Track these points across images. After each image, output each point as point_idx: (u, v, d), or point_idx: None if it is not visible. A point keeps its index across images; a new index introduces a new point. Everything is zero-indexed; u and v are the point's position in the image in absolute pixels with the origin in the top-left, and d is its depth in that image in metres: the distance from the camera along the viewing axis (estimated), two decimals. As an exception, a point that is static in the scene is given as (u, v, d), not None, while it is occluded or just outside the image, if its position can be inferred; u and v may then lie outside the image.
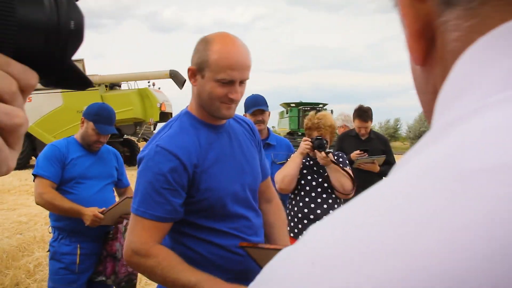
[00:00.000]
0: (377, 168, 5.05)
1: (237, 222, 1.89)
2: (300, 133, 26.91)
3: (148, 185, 1.70)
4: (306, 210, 3.48)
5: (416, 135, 51.81)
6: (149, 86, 18.74)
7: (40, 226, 7.11)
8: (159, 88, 19.58)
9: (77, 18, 0.52)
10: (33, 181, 3.18)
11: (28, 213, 8.05)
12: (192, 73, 1.81)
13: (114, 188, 3.55)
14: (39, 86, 0.53)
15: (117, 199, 3.51)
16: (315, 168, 3.60)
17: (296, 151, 3.65)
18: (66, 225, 3.18)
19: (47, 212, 3.40)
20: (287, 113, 33.41)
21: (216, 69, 1.73)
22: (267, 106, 3.98)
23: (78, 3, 0.53)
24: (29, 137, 16.69)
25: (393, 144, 57.55)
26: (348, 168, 3.60)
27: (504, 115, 0.28)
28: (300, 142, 3.60)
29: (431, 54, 0.39)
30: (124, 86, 19.47)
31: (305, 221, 3.48)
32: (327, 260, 0.27)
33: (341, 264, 0.26)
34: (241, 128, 2.05)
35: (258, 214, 2.03)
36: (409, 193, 0.27)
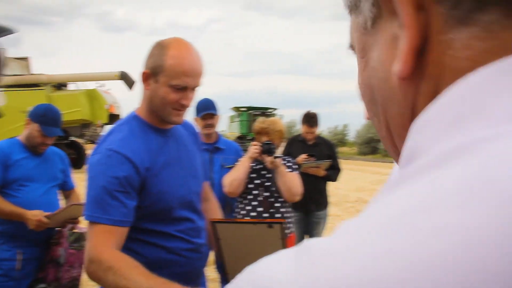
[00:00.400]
0: (322, 173, 5.17)
1: (183, 225, 1.92)
2: (250, 138, 27.01)
3: (101, 190, 1.68)
4: (254, 214, 3.52)
5: (364, 140, 52.87)
6: (98, 87, 18.38)
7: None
8: (108, 90, 19.23)
9: None
10: None
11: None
12: (146, 77, 1.80)
13: (59, 191, 3.46)
14: None
15: (62, 202, 3.43)
16: (263, 172, 3.64)
17: (245, 155, 3.69)
18: (6, 229, 3.08)
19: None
20: (237, 117, 33.49)
21: (171, 75, 1.75)
22: (217, 110, 4.01)
23: None
24: (-32, 137, 16.02)
25: (341, 150, 58.56)
26: (296, 173, 3.67)
27: None
28: (249, 146, 3.64)
29: (417, 68, 0.37)
30: (72, 86, 18.98)
31: (253, 225, 3.50)
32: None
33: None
34: (185, 132, 2.08)
35: (201, 217, 2.07)
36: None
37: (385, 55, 0.40)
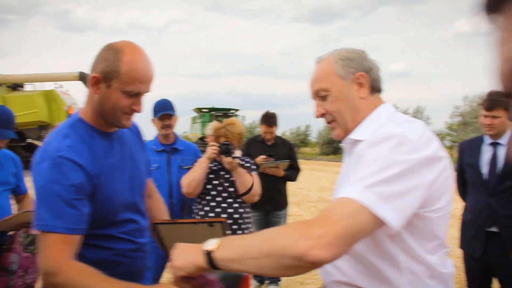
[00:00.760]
0: (281, 173, 5.21)
1: (127, 227, 1.92)
2: (213, 139, 26.91)
3: (57, 198, 1.64)
4: (212, 214, 3.53)
5: (325, 141, 53.46)
6: (56, 88, 18.01)
7: None
8: (67, 91, 18.86)
9: None
10: None
11: None
12: (96, 81, 1.75)
13: (11, 195, 3.36)
14: None
15: (14, 206, 3.34)
16: (221, 173, 3.65)
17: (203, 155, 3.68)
18: None
19: None
20: (199, 118, 33.40)
21: (126, 81, 1.73)
22: (175, 111, 4.00)
23: None
24: None
25: (303, 150, 59.04)
26: (254, 173, 3.69)
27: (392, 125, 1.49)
28: (207, 147, 3.64)
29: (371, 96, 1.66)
30: (28, 87, 18.53)
31: (212, 225, 3.50)
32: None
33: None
34: (128, 132, 2.07)
35: (145, 217, 2.09)
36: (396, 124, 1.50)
37: None
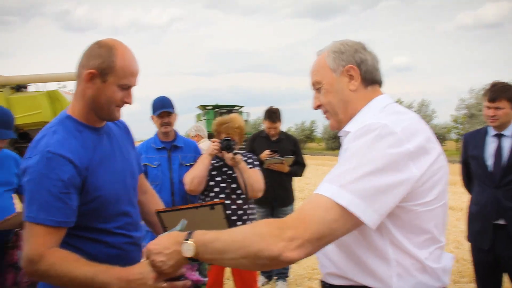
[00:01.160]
0: (286, 169, 5.16)
1: (121, 220, 1.99)
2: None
3: (45, 192, 1.71)
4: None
5: (331, 136, 53.37)
6: (59, 88, 18.05)
7: None
8: (70, 90, 18.90)
9: None
10: None
11: None
12: (92, 77, 1.83)
13: (15, 195, 3.36)
14: None
15: (18, 206, 3.34)
16: (224, 169, 3.63)
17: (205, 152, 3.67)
18: None
19: None
20: (203, 116, 33.43)
21: (121, 75, 1.84)
22: (174, 108, 3.98)
23: None
24: None
25: (309, 145, 59.00)
26: (257, 169, 3.67)
27: (379, 116, 1.53)
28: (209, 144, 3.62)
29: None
30: (32, 88, 18.57)
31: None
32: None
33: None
34: (117, 128, 2.14)
35: (137, 211, 2.16)
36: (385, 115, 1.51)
37: None
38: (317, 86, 1.70)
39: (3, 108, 3.19)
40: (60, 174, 1.73)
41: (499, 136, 3.38)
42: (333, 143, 52.70)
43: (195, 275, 1.69)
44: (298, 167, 5.35)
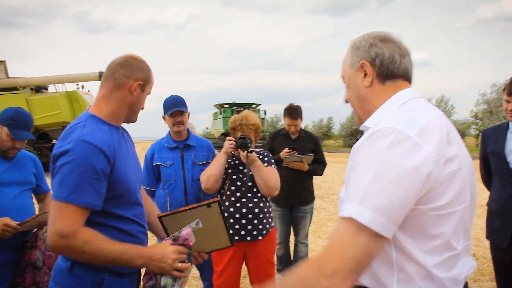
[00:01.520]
0: (306, 167, 5.06)
1: (136, 210, 2.22)
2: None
3: (79, 176, 1.89)
4: (232, 209, 3.51)
5: (348, 133, 53.10)
6: (78, 88, 18.23)
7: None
8: (88, 91, 19.05)
9: None
10: None
11: None
12: (136, 87, 2.15)
13: (33, 195, 3.41)
14: None
15: (36, 205, 3.38)
16: (240, 168, 3.62)
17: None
18: None
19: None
20: (220, 114, 33.47)
21: (151, 86, 2.26)
22: (186, 107, 3.97)
23: None
24: None
25: (326, 143, 58.74)
26: (273, 167, 3.65)
27: (397, 114, 1.45)
28: (224, 142, 3.62)
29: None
30: (51, 89, 18.80)
31: (231, 220, 3.51)
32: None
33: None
34: (125, 132, 2.37)
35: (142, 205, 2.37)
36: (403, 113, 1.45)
37: None
38: (342, 80, 1.70)
39: (21, 110, 3.23)
40: (92, 161, 1.92)
41: None
42: (351, 140, 52.39)
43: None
44: (318, 166, 5.23)
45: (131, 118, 2.24)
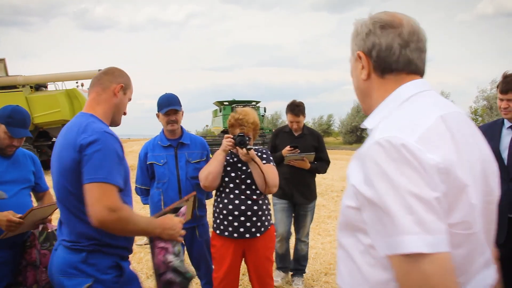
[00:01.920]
0: (307, 165, 5.01)
1: (130, 196, 2.52)
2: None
3: (111, 161, 2.21)
4: (230, 207, 3.52)
5: (348, 130, 52.99)
6: (77, 86, 18.19)
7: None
8: (87, 89, 18.99)
9: None
10: None
11: None
12: (119, 89, 2.48)
13: (31, 193, 3.41)
14: None
15: (34, 204, 3.38)
16: (238, 165, 3.63)
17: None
18: None
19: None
20: (220, 112, 33.40)
21: (131, 91, 2.60)
22: (181, 106, 3.97)
23: None
24: None
25: (326, 140, 58.62)
26: (272, 164, 3.65)
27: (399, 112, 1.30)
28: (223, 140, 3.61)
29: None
30: (51, 87, 18.74)
31: (230, 218, 3.52)
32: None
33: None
34: None
35: None
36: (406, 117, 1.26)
37: None
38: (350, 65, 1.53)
39: (19, 108, 3.24)
40: (117, 149, 2.26)
41: None
42: (351, 137, 52.37)
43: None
44: (321, 164, 5.17)
45: (116, 119, 2.53)
